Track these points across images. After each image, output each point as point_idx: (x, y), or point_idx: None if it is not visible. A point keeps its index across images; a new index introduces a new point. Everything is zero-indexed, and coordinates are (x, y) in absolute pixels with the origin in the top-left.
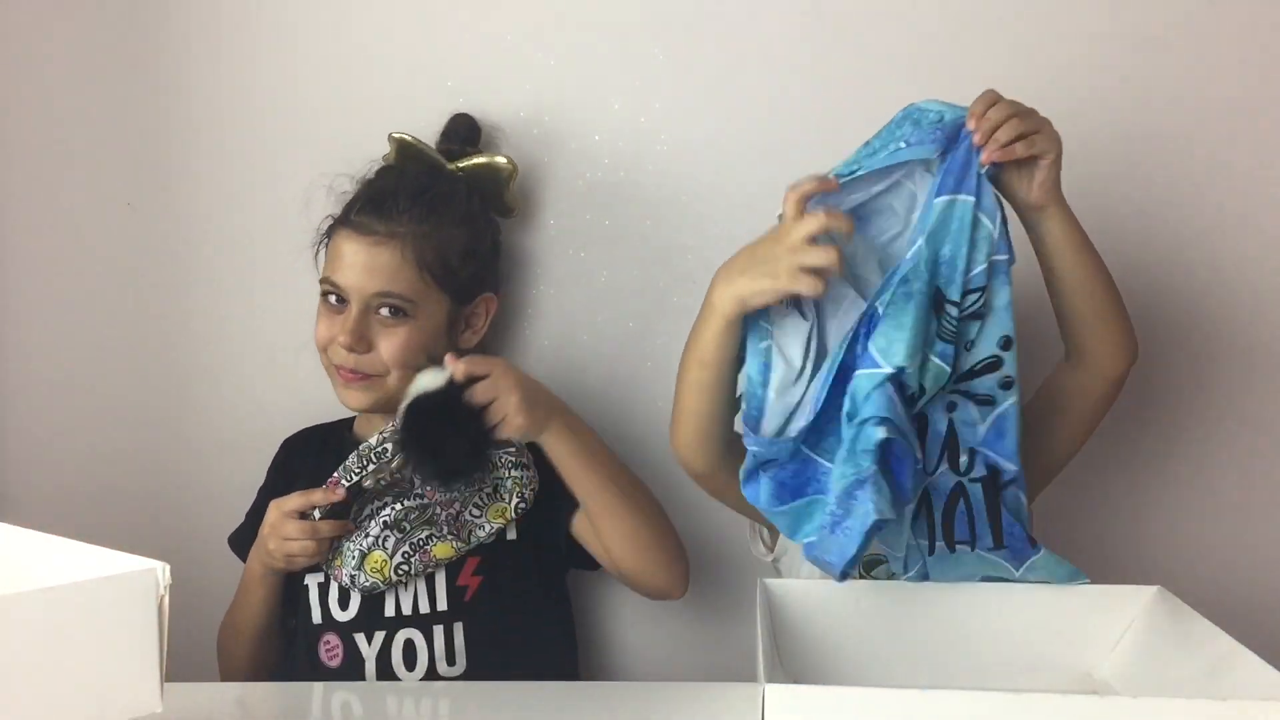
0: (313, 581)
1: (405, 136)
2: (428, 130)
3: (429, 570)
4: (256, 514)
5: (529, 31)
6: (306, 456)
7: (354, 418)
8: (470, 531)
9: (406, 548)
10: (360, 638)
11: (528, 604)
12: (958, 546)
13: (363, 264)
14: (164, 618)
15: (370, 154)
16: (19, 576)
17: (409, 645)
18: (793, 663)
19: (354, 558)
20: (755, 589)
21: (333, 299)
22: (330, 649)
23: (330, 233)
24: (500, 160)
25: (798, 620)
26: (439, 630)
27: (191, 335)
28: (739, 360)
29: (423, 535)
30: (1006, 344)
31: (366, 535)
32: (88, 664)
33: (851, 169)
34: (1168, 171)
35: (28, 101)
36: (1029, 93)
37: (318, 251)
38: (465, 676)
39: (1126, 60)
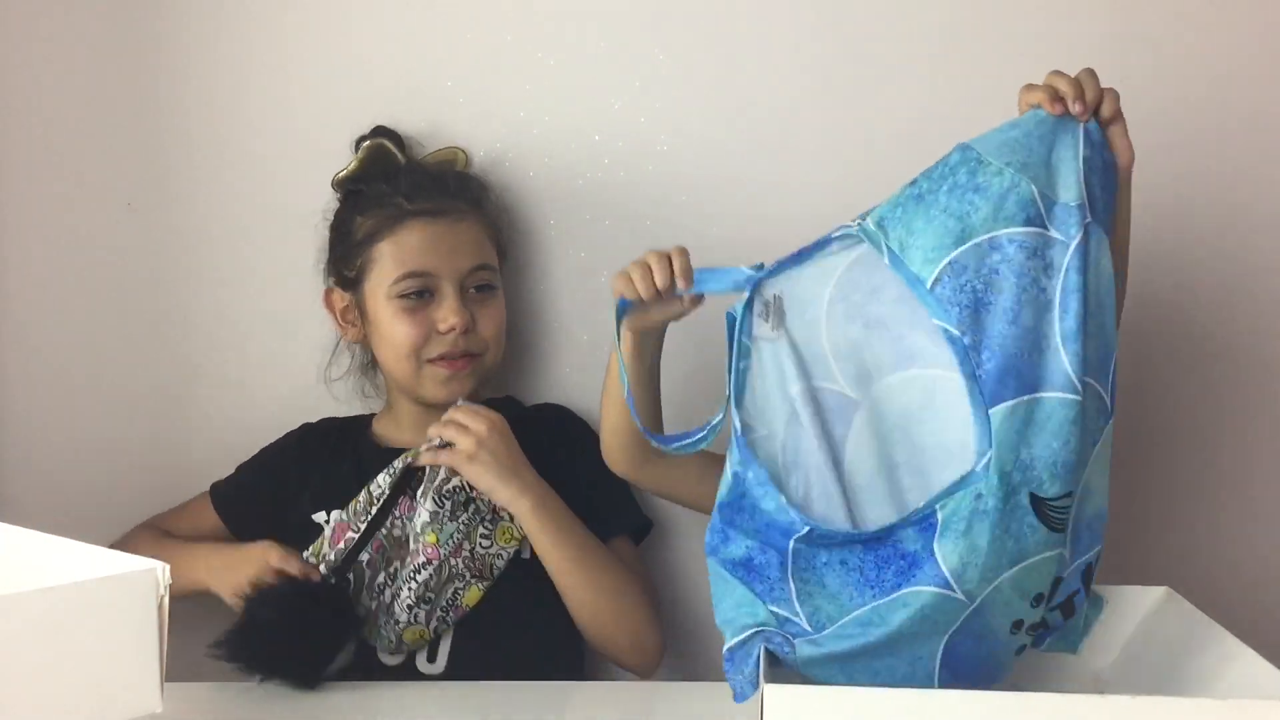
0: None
1: (384, 142)
2: (427, 131)
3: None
4: (251, 473)
5: (529, 31)
6: (323, 453)
7: (372, 416)
8: (490, 565)
9: (439, 612)
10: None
11: (529, 619)
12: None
13: (450, 244)
14: (164, 618)
15: None
16: (19, 576)
17: None
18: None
19: (391, 640)
20: None
21: (414, 296)
22: None
23: (376, 234)
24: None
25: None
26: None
27: (191, 335)
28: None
29: (449, 593)
30: None
31: (396, 621)
32: (88, 664)
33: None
34: (1168, 171)
35: (28, 101)
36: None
37: (352, 262)
38: (443, 676)
39: (1126, 60)
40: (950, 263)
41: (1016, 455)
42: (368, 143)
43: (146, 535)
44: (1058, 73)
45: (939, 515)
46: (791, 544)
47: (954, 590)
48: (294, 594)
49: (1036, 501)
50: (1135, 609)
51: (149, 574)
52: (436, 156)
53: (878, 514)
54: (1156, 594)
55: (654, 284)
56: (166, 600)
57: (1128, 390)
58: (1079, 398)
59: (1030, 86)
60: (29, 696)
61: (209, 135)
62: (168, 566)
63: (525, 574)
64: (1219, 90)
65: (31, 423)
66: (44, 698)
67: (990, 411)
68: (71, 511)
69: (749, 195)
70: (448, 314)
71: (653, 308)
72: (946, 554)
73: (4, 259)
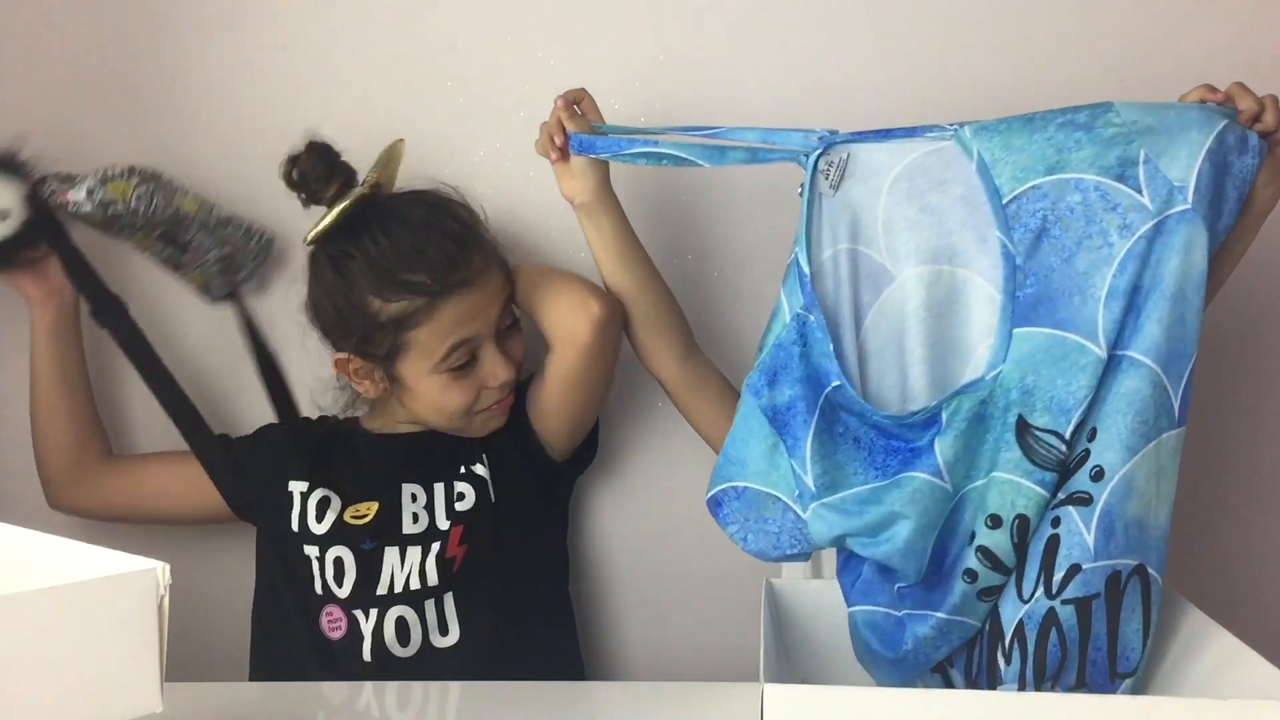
0: (313, 553)
1: (363, 190)
2: (428, 130)
3: (167, 211)
4: (249, 442)
5: (529, 30)
6: (319, 437)
7: (358, 415)
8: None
9: (136, 179)
10: (359, 614)
11: (515, 568)
12: (1044, 686)
13: (482, 305)
14: (164, 618)
15: (370, 152)
16: (19, 576)
17: (401, 622)
18: (799, 663)
19: (88, 187)
20: (757, 589)
21: (463, 363)
22: (333, 620)
23: (410, 321)
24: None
25: (804, 620)
26: (430, 604)
27: (190, 335)
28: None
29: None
30: (1092, 435)
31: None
32: (88, 664)
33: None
34: None
35: (27, 101)
36: (1029, 92)
37: (379, 344)
38: (459, 646)
39: (1126, 60)
40: (1033, 187)
41: (1022, 377)
42: (356, 193)
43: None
44: (1240, 85)
45: (944, 414)
46: (822, 397)
47: (944, 480)
48: None
49: (1022, 424)
50: None
51: (149, 574)
52: (381, 172)
53: (879, 386)
54: None
55: (545, 146)
56: (166, 600)
57: None
58: (1101, 353)
59: (1210, 88)
60: (29, 696)
61: (208, 135)
62: (167, 567)
63: (496, 518)
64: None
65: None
66: (44, 698)
67: (1015, 331)
68: None
69: (749, 195)
70: (497, 371)
71: (559, 172)
72: (944, 448)
73: None
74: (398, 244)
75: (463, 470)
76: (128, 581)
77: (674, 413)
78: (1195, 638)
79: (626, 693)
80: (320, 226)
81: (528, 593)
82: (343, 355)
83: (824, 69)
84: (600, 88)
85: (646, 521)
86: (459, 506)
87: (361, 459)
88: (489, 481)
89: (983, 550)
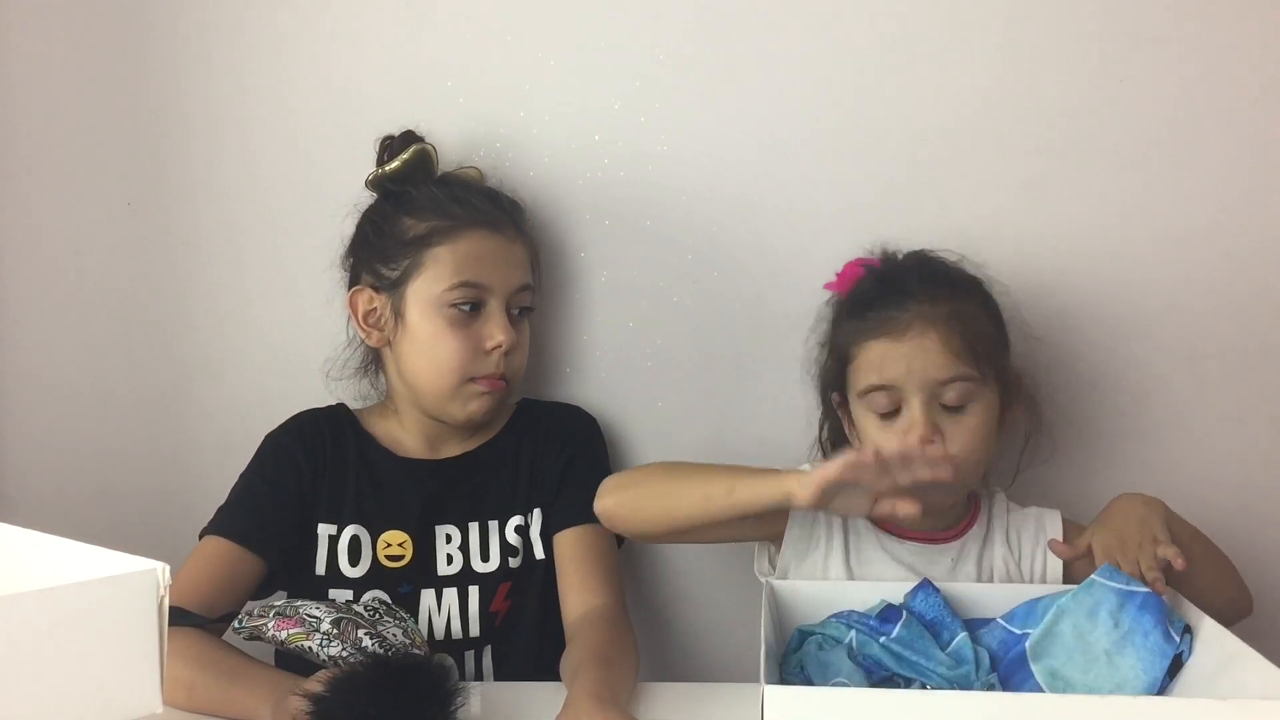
0: (343, 597)
1: (428, 148)
2: (428, 129)
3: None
4: (255, 496)
5: (529, 31)
6: (322, 457)
7: (347, 409)
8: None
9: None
10: None
11: (555, 624)
12: None
13: (505, 259)
14: (164, 618)
15: (369, 153)
16: (19, 576)
17: None
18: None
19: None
20: (757, 589)
21: (466, 307)
22: None
23: (431, 238)
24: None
25: (804, 620)
26: (469, 655)
27: (191, 335)
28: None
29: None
30: None
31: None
32: (88, 664)
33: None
34: (1168, 170)
35: (27, 102)
36: (1028, 92)
37: (396, 262)
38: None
39: (1126, 60)
40: None
41: None
42: (415, 146)
43: (192, 641)
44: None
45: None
46: None
47: None
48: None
49: None
50: None
51: (149, 574)
52: (457, 175)
53: None
54: None
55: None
56: (167, 600)
57: (1128, 389)
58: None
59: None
60: (29, 696)
61: (208, 135)
62: (167, 567)
63: (545, 574)
64: (1217, 88)
65: (31, 423)
66: (44, 698)
67: None
68: (71, 512)
69: (748, 194)
70: (495, 331)
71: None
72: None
73: (4, 259)
74: (450, 186)
75: (512, 522)
76: (128, 581)
77: (673, 413)
78: (1200, 640)
79: None
80: (385, 168)
81: (560, 640)
82: (358, 288)
83: (825, 69)
84: (600, 87)
85: None
86: (511, 563)
87: (385, 485)
88: (535, 541)
89: None
